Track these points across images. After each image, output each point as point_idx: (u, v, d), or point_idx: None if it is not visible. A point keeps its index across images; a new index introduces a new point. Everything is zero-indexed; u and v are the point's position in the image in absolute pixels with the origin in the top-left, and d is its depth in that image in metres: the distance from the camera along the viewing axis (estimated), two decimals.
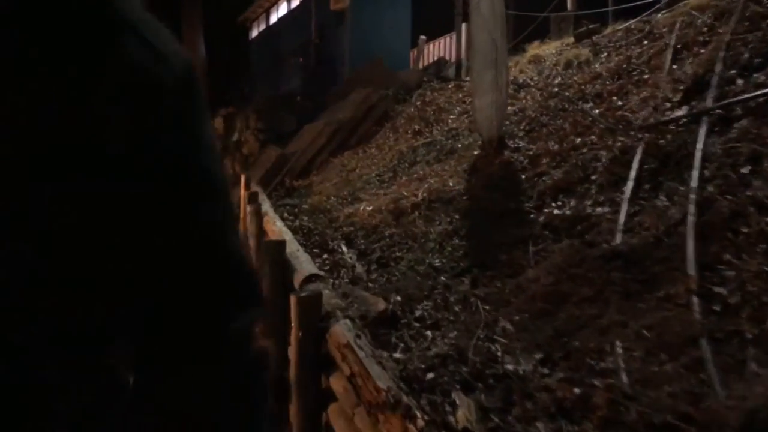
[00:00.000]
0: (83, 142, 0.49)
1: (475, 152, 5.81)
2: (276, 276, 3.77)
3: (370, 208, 5.25)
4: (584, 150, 4.42)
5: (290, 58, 14.24)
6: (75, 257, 0.51)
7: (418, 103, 9.32)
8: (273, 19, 16.22)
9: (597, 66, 6.92)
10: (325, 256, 4.56)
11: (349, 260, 4.37)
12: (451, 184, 5.05)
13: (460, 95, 9.13)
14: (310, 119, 11.52)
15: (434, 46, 13.95)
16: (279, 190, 8.70)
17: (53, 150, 0.48)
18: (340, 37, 13.03)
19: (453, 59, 12.44)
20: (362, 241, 4.67)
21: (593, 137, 4.53)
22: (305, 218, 5.77)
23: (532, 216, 4.00)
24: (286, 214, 6.36)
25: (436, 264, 3.92)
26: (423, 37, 12.91)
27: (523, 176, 4.78)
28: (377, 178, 6.67)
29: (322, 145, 9.22)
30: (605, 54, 7.22)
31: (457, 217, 4.45)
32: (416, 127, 8.24)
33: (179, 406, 0.56)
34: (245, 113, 12.30)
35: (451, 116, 7.79)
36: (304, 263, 4.01)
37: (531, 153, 5.23)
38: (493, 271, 3.63)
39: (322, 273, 3.85)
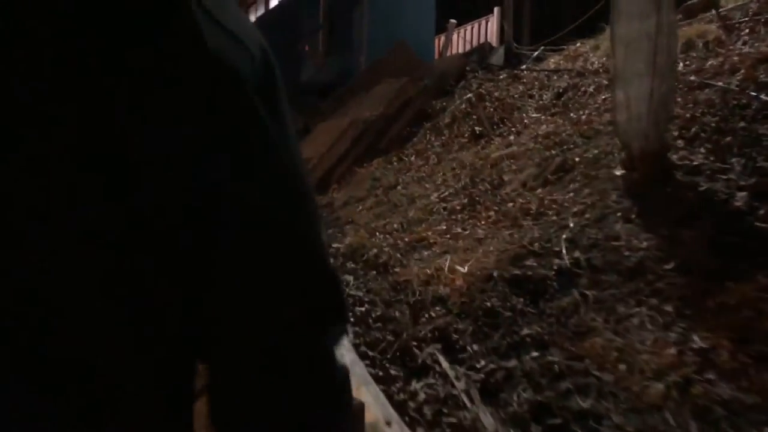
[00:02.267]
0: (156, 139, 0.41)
1: (616, 171, 3.55)
2: None
3: (465, 269, 2.99)
4: None
5: (294, 46, 11.86)
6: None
7: (468, 97, 7.03)
8: (273, 2, 13.80)
9: (741, 45, 4.75)
10: (411, 381, 2.30)
11: (464, 398, 2.11)
12: (610, 231, 2.80)
13: (521, 87, 6.86)
14: (321, 117, 9.22)
15: (464, 31, 11.66)
16: None
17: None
18: (355, 21, 10.69)
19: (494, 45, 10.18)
20: (477, 348, 2.41)
21: None
22: (350, 279, 3.46)
23: None
24: None
25: None
26: (452, 21, 10.60)
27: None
28: (442, 204, 4.40)
29: (345, 150, 6.91)
30: (746, 30, 5.05)
31: (687, 316, 2.17)
32: (475, 129, 5.96)
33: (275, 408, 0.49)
34: None
35: (532, 115, 5.52)
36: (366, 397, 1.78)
37: (726, 177, 3.01)
38: None
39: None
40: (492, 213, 3.87)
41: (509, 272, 2.78)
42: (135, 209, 0.42)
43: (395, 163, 6.56)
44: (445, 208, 4.32)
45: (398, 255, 3.74)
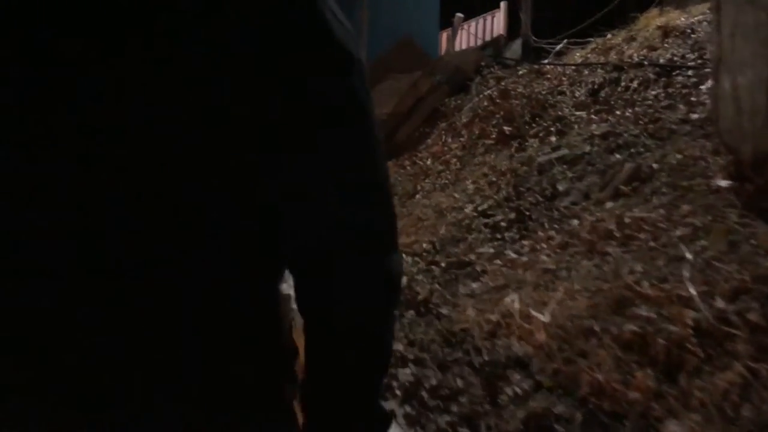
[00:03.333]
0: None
1: (718, 182, 2.74)
2: None
3: (545, 316, 2.15)
4: None
5: None
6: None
7: (490, 93, 6.21)
8: None
9: None
10: None
11: None
12: (757, 268, 1.99)
13: (547, 83, 6.05)
14: None
15: (468, 27, 10.85)
16: None
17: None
18: (355, 15, 9.83)
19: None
20: None
21: None
22: None
23: None
24: None
25: None
26: (459, 14, 9.77)
27: None
28: (481, 219, 3.57)
29: None
30: None
31: None
32: (504, 128, 5.13)
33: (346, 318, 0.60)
34: None
35: (574, 113, 4.71)
36: None
37: None
38: None
39: None
40: (553, 233, 3.04)
41: (618, 327, 1.95)
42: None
43: (409, 168, 5.72)
44: (486, 225, 3.49)
45: (438, 287, 2.90)
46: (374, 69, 8.55)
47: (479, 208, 3.73)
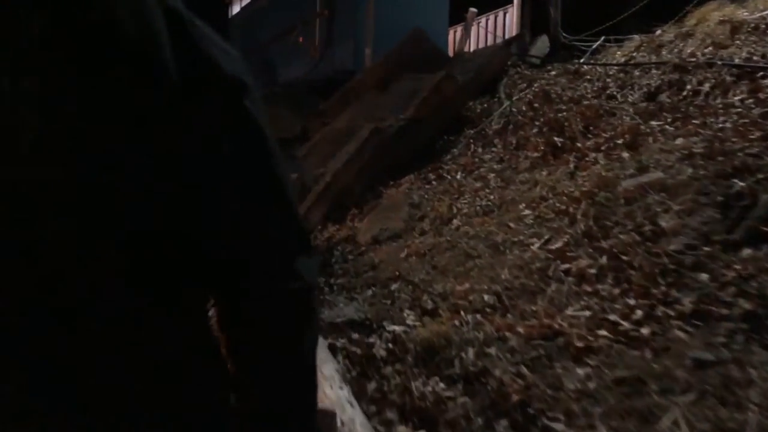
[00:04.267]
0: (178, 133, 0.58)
1: None
2: None
3: None
4: None
5: (286, 38, 10.08)
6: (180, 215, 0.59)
7: (524, 96, 5.37)
8: None
9: None
10: None
11: None
12: None
13: (589, 85, 5.24)
14: (322, 120, 7.52)
15: (478, 23, 10.01)
16: None
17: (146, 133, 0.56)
18: (357, 8, 8.96)
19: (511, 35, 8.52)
20: None
21: None
22: None
23: None
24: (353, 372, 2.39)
25: None
26: (473, 9, 8.94)
27: None
28: (557, 263, 2.73)
29: (366, 164, 5.19)
30: None
31: None
32: (554, 140, 4.28)
33: (265, 323, 0.66)
34: None
35: (638, 122, 3.86)
36: None
37: None
38: None
39: None
40: (677, 293, 2.20)
41: None
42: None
43: (435, 182, 4.87)
44: (568, 272, 2.64)
45: (528, 372, 2.05)
46: (383, 65, 7.69)
47: (551, 246, 2.88)
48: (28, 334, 0.55)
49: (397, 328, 2.66)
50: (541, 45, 7.13)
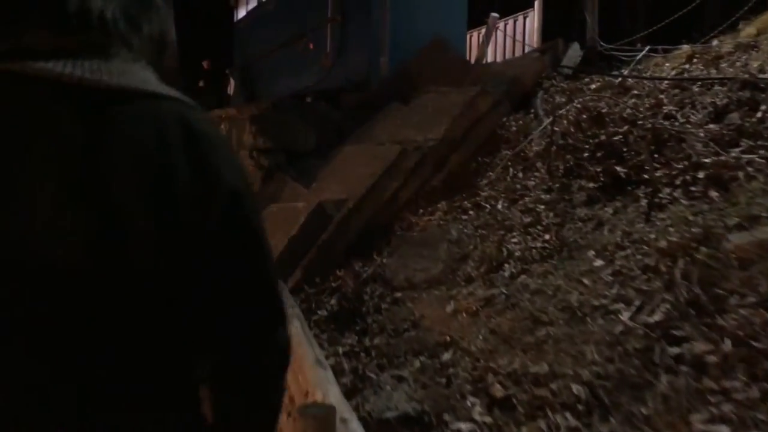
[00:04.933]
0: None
1: None
2: None
3: None
4: None
5: (295, 44, 9.51)
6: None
7: (567, 113, 4.82)
8: None
9: None
10: None
11: None
12: None
13: (638, 101, 4.68)
14: (340, 137, 6.98)
15: (499, 26, 9.45)
16: (320, 292, 4.06)
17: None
18: (371, 14, 8.38)
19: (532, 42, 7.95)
20: None
21: None
22: None
23: None
24: None
25: None
26: (494, 15, 8.39)
27: None
28: (666, 348, 2.17)
29: (393, 189, 4.63)
30: None
31: None
32: (616, 169, 3.72)
33: (249, 381, 0.82)
34: (235, 121, 7.58)
35: (713, 150, 3.30)
36: None
37: None
38: None
39: None
40: None
41: None
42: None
43: (472, 212, 4.30)
44: (679, 358, 2.08)
45: None
46: (402, 76, 7.14)
47: (648, 318, 2.32)
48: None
49: (464, 427, 2.10)
50: (573, 54, 6.57)
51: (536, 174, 4.46)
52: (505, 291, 3.05)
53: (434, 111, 5.22)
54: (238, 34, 12.10)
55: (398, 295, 3.60)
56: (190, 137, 0.74)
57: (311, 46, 9.34)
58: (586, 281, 2.77)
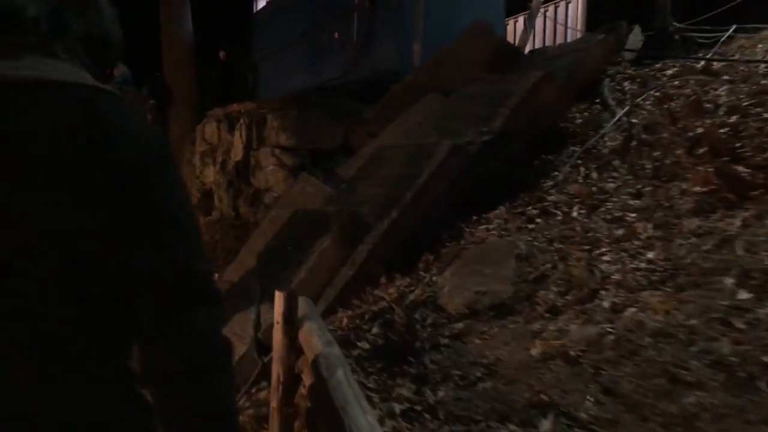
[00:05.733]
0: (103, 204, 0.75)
1: None
2: None
3: None
4: None
5: (319, 33, 8.80)
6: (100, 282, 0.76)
7: (640, 102, 4.04)
8: None
9: None
10: None
11: None
12: None
13: (730, 85, 3.90)
14: (368, 130, 6.27)
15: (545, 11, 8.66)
16: (358, 316, 3.33)
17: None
18: (406, 2, 7.63)
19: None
20: None
21: None
22: None
23: None
24: None
25: None
26: None
27: None
28: None
29: (442, 191, 3.89)
30: None
31: None
32: (736, 170, 2.94)
33: (175, 363, 0.77)
34: (255, 115, 6.89)
35: None
36: None
37: None
38: None
39: None
40: None
41: None
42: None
43: (540, 221, 3.54)
44: None
45: None
46: (437, 65, 6.38)
47: None
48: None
49: None
50: (634, 38, 5.77)
51: (614, 174, 3.70)
52: (610, 329, 2.29)
53: (486, 101, 4.46)
54: (257, 24, 11.42)
55: (458, 326, 2.85)
56: (91, 120, 0.75)
57: (336, 36, 8.62)
58: (737, 323, 2.00)
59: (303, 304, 2.45)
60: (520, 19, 9.47)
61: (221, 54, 9.70)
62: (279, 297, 2.34)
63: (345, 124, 6.41)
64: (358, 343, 3.03)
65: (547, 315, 2.61)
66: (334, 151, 6.36)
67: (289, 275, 3.78)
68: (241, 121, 6.99)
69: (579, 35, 7.79)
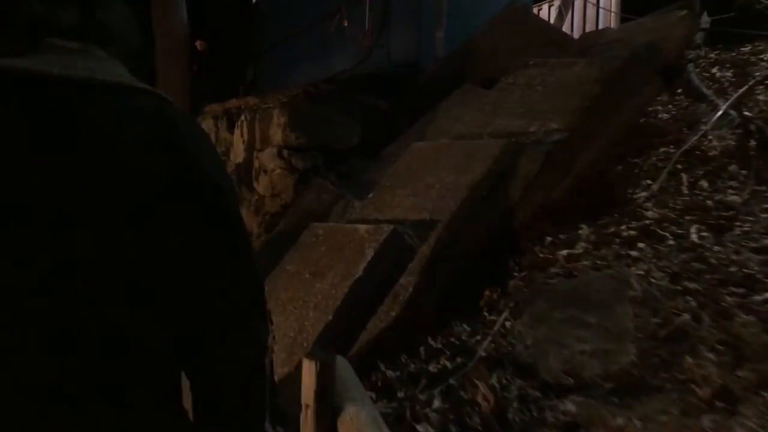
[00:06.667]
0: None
1: None
2: None
3: None
4: None
5: (327, 22, 7.87)
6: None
7: (745, 92, 3.18)
8: None
9: None
10: None
11: None
12: None
13: None
14: (388, 126, 5.41)
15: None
16: (409, 380, 2.43)
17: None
18: None
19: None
20: None
21: None
22: None
23: None
24: None
25: None
26: None
27: None
28: None
29: (504, 204, 3.01)
30: None
31: None
32: None
33: (229, 369, 0.77)
34: (258, 112, 5.97)
35: None
36: None
37: None
38: None
39: None
40: None
41: None
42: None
43: (643, 246, 2.64)
44: None
45: None
46: (467, 53, 5.50)
47: None
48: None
49: None
50: (704, 18, 4.89)
51: (733, 183, 2.81)
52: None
53: (547, 91, 3.56)
54: (258, 11, 10.46)
55: (568, 407, 1.96)
56: (172, 131, 0.72)
57: (346, 24, 7.69)
58: None
59: (342, 370, 1.65)
60: (545, 7, 8.60)
61: (198, 44, 8.71)
62: (308, 367, 1.57)
63: (362, 120, 5.52)
64: (417, 426, 2.13)
65: (718, 403, 1.72)
66: (349, 152, 5.46)
67: (307, 315, 2.88)
68: (243, 118, 6.06)
69: (614, 18, 6.90)
